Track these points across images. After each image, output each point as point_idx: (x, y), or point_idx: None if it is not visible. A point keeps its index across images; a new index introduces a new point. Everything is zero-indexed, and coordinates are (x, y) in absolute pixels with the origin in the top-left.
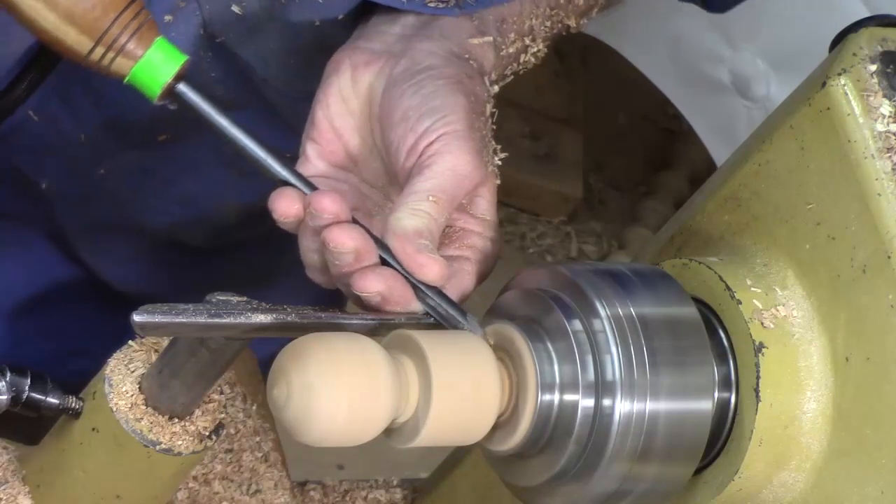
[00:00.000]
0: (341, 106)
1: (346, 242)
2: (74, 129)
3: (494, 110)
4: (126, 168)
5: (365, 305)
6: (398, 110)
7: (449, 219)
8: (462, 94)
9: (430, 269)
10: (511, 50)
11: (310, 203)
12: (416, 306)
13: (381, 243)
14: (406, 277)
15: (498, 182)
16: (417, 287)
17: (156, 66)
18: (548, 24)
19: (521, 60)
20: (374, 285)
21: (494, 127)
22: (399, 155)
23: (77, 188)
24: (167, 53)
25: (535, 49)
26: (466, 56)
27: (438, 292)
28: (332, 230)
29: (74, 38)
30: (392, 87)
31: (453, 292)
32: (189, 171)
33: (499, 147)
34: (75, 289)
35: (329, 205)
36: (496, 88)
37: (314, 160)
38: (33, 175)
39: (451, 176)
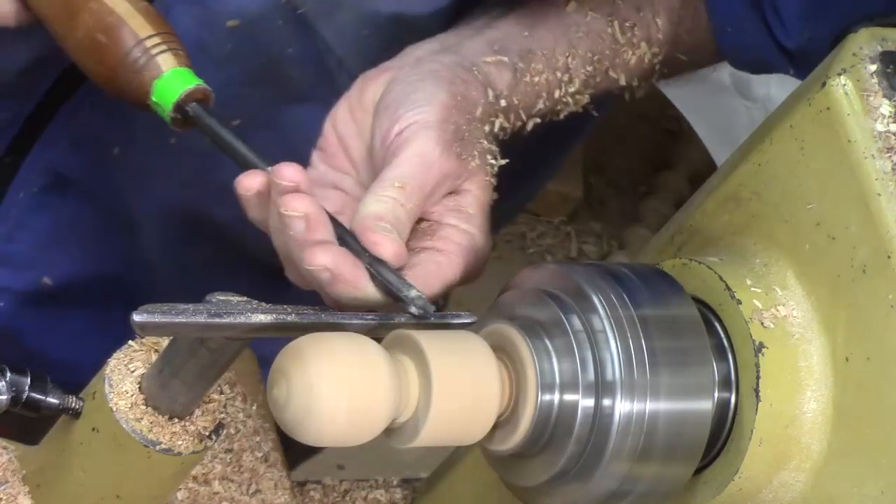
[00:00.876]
0: (346, 114)
1: (298, 206)
2: None
3: (494, 119)
4: (195, 145)
5: (324, 293)
6: (384, 102)
7: (423, 208)
8: (447, 91)
9: (384, 247)
10: (538, 79)
11: (272, 175)
12: (369, 288)
13: (343, 228)
14: (363, 257)
15: (491, 181)
16: (372, 266)
17: (186, 76)
18: (588, 68)
19: (557, 97)
20: (322, 259)
21: (500, 134)
22: (376, 141)
23: (150, 157)
24: (192, 77)
25: (573, 89)
26: (474, 70)
27: (388, 268)
28: (286, 197)
29: (140, 23)
30: (388, 86)
31: (419, 281)
32: None
33: (497, 150)
34: (138, 292)
35: (289, 172)
36: (530, 123)
37: (317, 164)
38: (112, 138)
39: (417, 163)
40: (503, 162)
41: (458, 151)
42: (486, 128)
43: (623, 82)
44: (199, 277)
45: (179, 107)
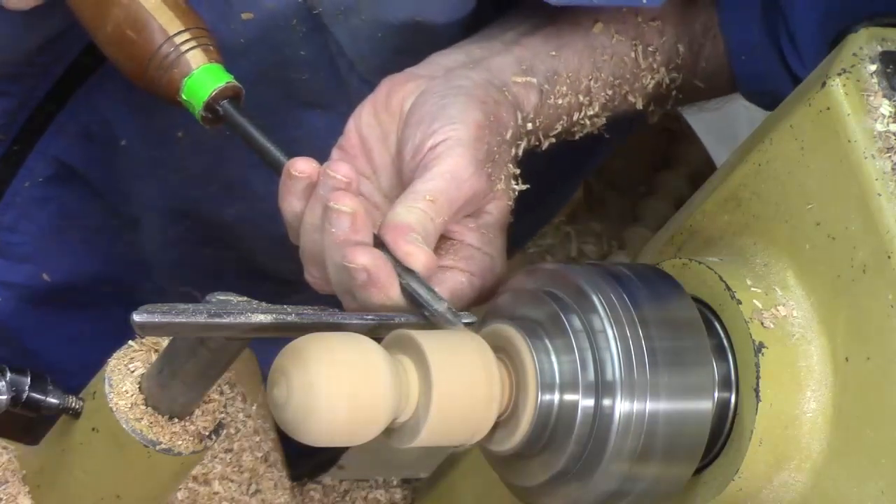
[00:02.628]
0: (371, 117)
1: (348, 202)
2: None
3: (520, 142)
4: (202, 140)
5: (352, 297)
6: (417, 114)
7: (448, 225)
8: (480, 111)
9: (417, 257)
10: (561, 102)
11: (326, 168)
12: (396, 294)
13: (374, 236)
14: (393, 265)
15: (511, 205)
16: (401, 275)
17: (217, 73)
18: (609, 91)
19: (575, 119)
20: (363, 258)
21: (520, 156)
22: (406, 153)
23: (156, 151)
24: (223, 73)
25: (592, 112)
26: (504, 89)
27: (419, 280)
28: (337, 192)
29: (169, 18)
30: (420, 97)
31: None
32: (259, 166)
33: (519, 174)
34: (135, 297)
35: (344, 169)
36: (546, 143)
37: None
38: (120, 130)
39: (449, 179)
40: (524, 187)
41: (488, 172)
42: (513, 151)
43: (640, 106)
44: (197, 283)
45: (210, 105)
